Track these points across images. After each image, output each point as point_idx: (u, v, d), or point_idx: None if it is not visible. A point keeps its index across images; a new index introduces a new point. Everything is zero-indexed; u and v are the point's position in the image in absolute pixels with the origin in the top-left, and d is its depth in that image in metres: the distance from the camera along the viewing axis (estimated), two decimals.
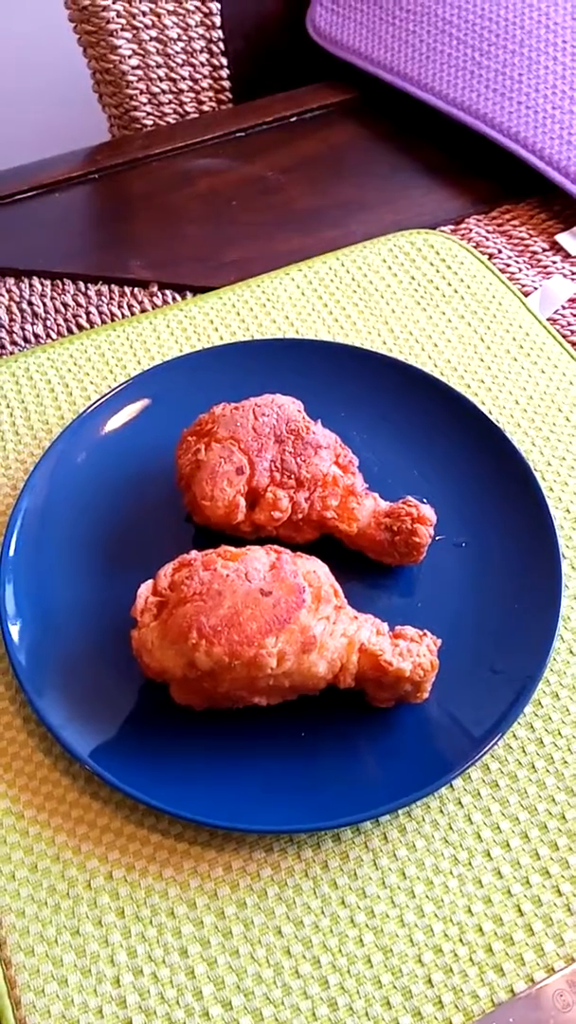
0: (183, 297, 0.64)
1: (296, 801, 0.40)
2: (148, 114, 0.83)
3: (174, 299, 0.64)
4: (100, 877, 0.39)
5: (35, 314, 0.63)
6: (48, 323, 0.63)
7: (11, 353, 0.61)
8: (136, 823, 0.40)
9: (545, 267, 0.65)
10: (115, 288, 0.65)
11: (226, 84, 0.84)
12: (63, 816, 0.41)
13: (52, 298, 0.64)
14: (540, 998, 0.37)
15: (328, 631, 0.40)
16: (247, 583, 0.40)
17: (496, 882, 0.39)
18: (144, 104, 0.82)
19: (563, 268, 0.65)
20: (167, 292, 0.64)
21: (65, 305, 0.64)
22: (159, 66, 0.81)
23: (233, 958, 0.38)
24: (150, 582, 0.42)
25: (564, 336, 0.61)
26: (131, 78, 0.81)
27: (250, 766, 0.41)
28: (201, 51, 0.81)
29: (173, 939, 0.38)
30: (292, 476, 0.46)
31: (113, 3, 0.77)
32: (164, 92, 0.82)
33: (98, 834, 0.40)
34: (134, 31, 0.78)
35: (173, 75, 0.81)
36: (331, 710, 0.42)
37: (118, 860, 0.40)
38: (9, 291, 0.65)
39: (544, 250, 0.66)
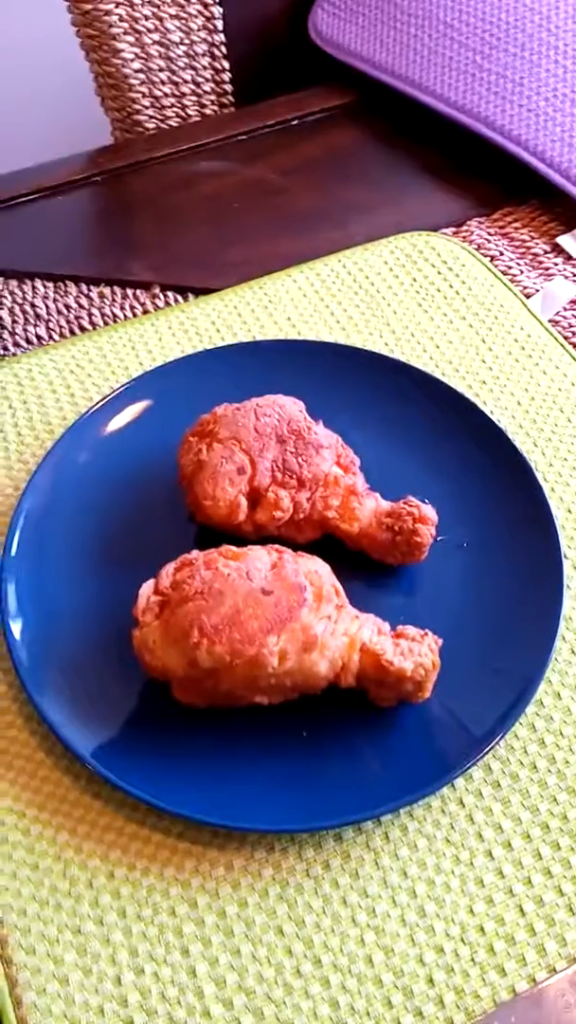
0: (185, 299, 0.64)
1: (298, 800, 0.40)
2: (150, 117, 0.83)
3: (176, 301, 0.64)
4: (101, 876, 0.39)
5: (38, 316, 0.64)
6: (51, 325, 0.63)
7: (14, 354, 0.61)
8: (138, 822, 0.40)
9: (547, 269, 0.65)
10: (117, 290, 0.65)
11: (228, 87, 0.84)
12: (64, 815, 0.41)
13: (55, 300, 0.64)
14: (542, 998, 0.37)
15: (329, 630, 0.40)
16: (248, 582, 0.40)
17: (498, 882, 0.39)
18: (146, 107, 0.82)
19: (564, 270, 0.65)
20: (169, 294, 0.64)
21: (68, 307, 0.64)
22: (161, 69, 0.81)
23: (234, 957, 0.37)
24: (152, 581, 0.42)
25: (566, 338, 0.61)
26: (133, 81, 0.81)
27: (252, 765, 0.41)
28: (203, 54, 0.82)
29: (174, 938, 0.38)
30: (294, 476, 0.46)
31: (115, 7, 0.77)
32: (166, 95, 0.82)
33: (99, 833, 0.40)
34: (136, 35, 0.79)
35: (175, 78, 0.82)
36: (332, 709, 0.42)
37: (119, 859, 0.40)
38: (12, 293, 0.65)
39: (545, 252, 0.66)
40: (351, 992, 0.37)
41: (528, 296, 0.63)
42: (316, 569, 0.42)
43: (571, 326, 0.62)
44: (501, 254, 0.66)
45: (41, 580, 0.47)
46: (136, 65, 0.80)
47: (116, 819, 0.41)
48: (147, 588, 0.42)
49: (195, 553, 0.42)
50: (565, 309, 0.63)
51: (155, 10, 0.78)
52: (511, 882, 0.39)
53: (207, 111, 0.84)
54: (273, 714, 0.41)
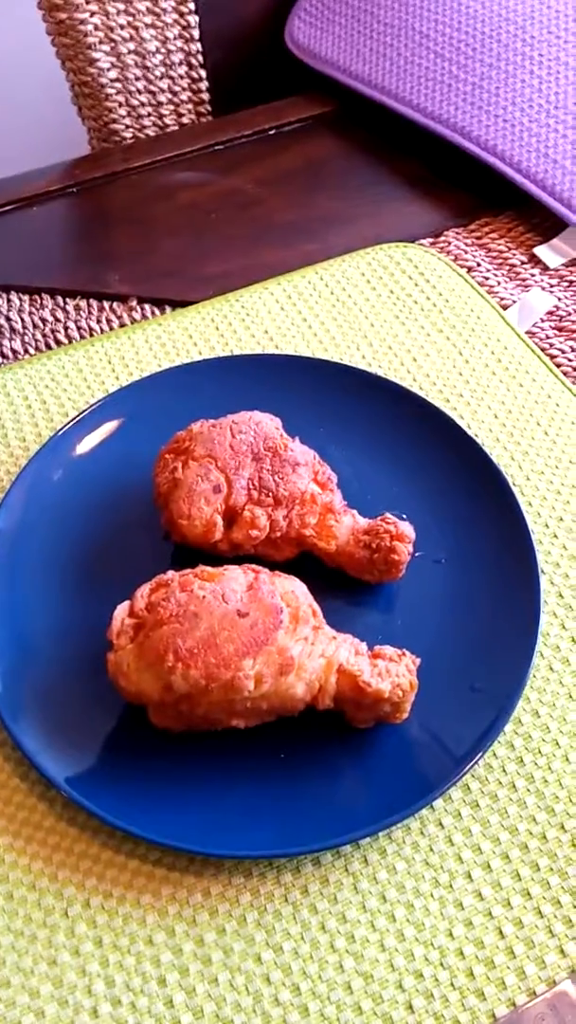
0: (162, 312, 0.64)
1: (275, 825, 0.39)
2: (127, 127, 0.82)
3: (153, 314, 0.63)
4: (77, 905, 0.39)
5: (13, 329, 0.63)
6: (26, 338, 0.62)
7: None
8: (113, 849, 0.40)
9: (523, 280, 0.65)
10: (94, 303, 0.64)
11: (205, 96, 0.83)
12: (39, 843, 0.40)
13: (30, 313, 0.64)
14: (522, 1022, 0.37)
15: (306, 652, 0.40)
16: (224, 604, 0.40)
17: (477, 904, 0.39)
18: (123, 117, 0.82)
19: (541, 281, 0.65)
20: (146, 307, 0.64)
21: (43, 320, 0.63)
22: (138, 79, 0.80)
23: (212, 986, 0.37)
24: (126, 603, 0.41)
25: (543, 349, 0.61)
26: (110, 91, 0.80)
27: (229, 789, 0.40)
28: (180, 64, 0.81)
29: (151, 968, 0.37)
30: (270, 494, 0.46)
31: (91, 16, 0.76)
32: (143, 105, 0.82)
33: (75, 861, 0.40)
34: (112, 44, 0.78)
35: (152, 88, 0.81)
36: (310, 731, 0.42)
37: (95, 887, 0.39)
38: None
39: (523, 263, 0.66)
40: (330, 1020, 0.36)
41: (505, 307, 0.63)
42: (293, 590, 0.42)
43: (548, 338, 0.62)
44: (478, 265, 0.66)
45: (13, 602, 0.46)
46: (112, 74, 0.80)
47: (91, 846, 0.40)
48: (122, 610, 0.41)
49: (170, 574, 0.42)
50: (542, 320, 0.63)
51: (131, 19, 0.78)
52: (490, 904, 0.39)
53: (184, 120, 0.84)
54: (250, 737, 0.41)
